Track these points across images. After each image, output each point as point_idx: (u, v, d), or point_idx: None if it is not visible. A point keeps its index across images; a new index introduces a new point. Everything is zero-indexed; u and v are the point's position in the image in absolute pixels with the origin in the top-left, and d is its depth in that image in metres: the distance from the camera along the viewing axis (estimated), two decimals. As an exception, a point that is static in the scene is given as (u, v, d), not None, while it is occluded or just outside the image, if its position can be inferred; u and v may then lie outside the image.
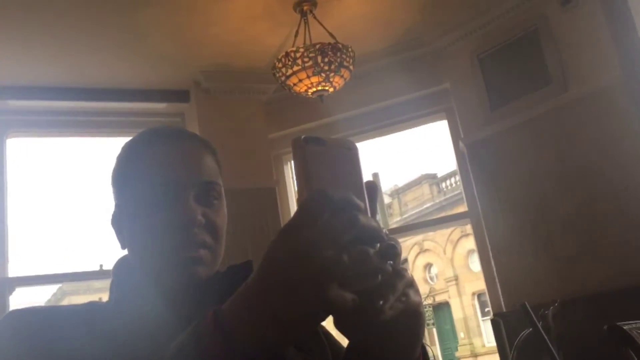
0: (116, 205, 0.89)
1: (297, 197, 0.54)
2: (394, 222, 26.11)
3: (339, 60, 2.89)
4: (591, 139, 3.02)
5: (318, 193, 0.50)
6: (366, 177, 0.56)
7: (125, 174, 0.86)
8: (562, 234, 3.03)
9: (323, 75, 2.91)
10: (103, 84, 3.67)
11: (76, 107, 3.74)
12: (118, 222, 0.87)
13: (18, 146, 3.87)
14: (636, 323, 1.93)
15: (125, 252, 0.88)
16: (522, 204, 3.25)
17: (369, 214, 0.53)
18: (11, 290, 3.36)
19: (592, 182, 3.00)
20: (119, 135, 3.95)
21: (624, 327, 1.81)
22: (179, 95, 3.86)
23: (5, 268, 3.39)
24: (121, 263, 0.89)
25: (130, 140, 0.89)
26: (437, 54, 3.76)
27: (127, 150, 0.88)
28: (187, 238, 0.79)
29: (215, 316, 0.51)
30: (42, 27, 3.07)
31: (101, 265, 4.88)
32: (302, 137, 0.53)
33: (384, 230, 0.52)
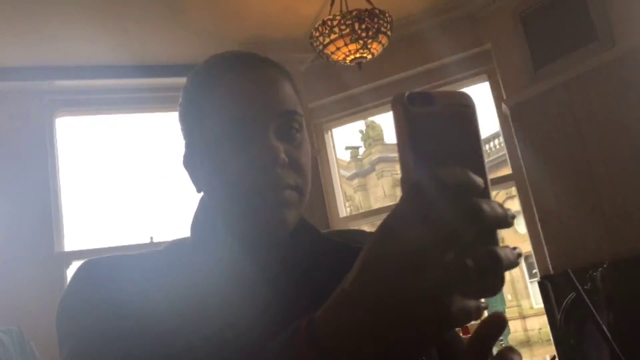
0: (187, 145, 0.80)
1: (400, 176, 0.42)
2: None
3: (376, 26, 2.86)
4: (639, 96, 2.92)
5: (429, 177, 0.39)
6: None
7: (196, 109, 0.77)
8: (610, 194, 2.96)
9: (361, 42, 2.88)
10: (146, 60, 3.73)
11: (120, 85, 3.82)
12: (191, 163, 0.79)
13: (68, 124, 3.99)
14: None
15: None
16: (568, 164, 3.18)
17: (489, 192, 0.41)
18: (68, 264, 3.52)
19: (642, 140, 2.92)
20: (165, 111, 4.04)
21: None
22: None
23: (61, 243, 3.55)
24: (201, 205, 0.81)
25: (198, 70, 0.80)
26: (477, 14, 3.67)
27: (195, 82, 0.79)
28: (270, 180, 0.71)
29: (310, 330, 0.43)
30: (82, 6, 3.12)
31: (152, 238, 5.04)
32: (406, 94, 0.42)
33: (509, 212, 0.41)
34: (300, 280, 0.73)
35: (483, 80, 3.88)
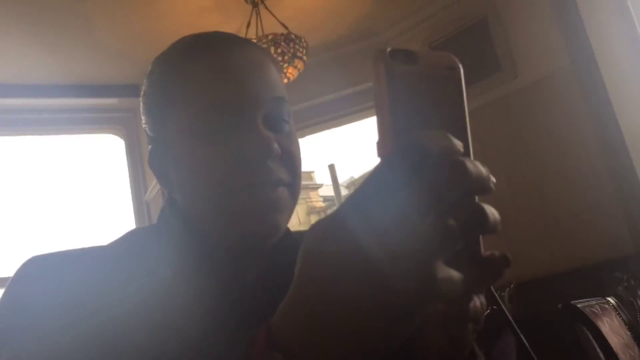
0: (155, 140, 0.68)
1: (377, 139, 0.38)
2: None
3: (292, 51, 2.87)
4: (541, 124, 3.09)
5: (410, 141, 0.35)
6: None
7: (167, 97, 0.65)
8: (514, 218, 3.09)
9: (277, 66, 2.88)
10: (50, 80, 3.56)
11: (21, 105, 3.61)
12: (160, 160, 0.67)
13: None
14: (588, 301, 1.99)
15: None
16: (476, 189, 3.30)
17: (472, 156, 0.39)
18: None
19: (543, 166, 3.08)
20: (71, 133, 3.85)
21: (578, 305, 1.87)
22: (131, 89, 3.78)
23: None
24: (168, 207, 0.68)
25: (167, 53, 0.69)
26: (389, 44, 3.78)
27: (165, 65, 0.68)
28: (261, 176, 0.61)
29: (269, 337, 0.38)
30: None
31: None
32: (388, 49, 0.38)
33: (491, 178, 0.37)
34: (278, 300, 0.65)
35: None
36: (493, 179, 0.37)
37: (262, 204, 0.62)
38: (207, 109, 0.62)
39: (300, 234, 0.74)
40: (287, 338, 0.37)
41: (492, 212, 0.36)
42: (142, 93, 0.70)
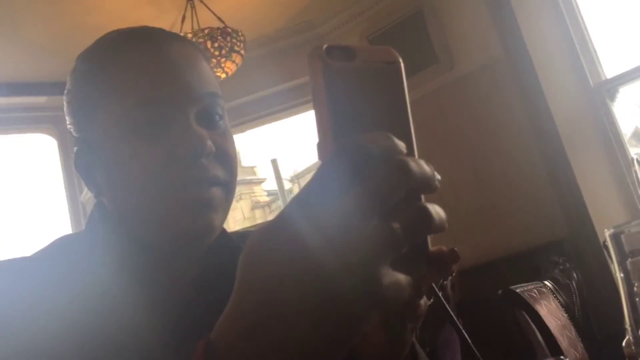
0: (80, 141, 0.64)
1: (317, 141, 0.37)
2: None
3: (229, 45, 2.82)
4: (478, 114, 3.16)
5: (351, 143, 0.34)
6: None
7: (91, 96, 0.62)
8: (454, 207, 3.15)
9: (214, 60, 2.83)
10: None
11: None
12: (86, 162, 0.64)
13: None
14: (527, 285, 2.05)
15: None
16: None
17: (415, 153, 0.38)
18: None
19: (480, 155, 3.15)
20: (1, 133, 3.68)
21: (517, 290, 1.92)
22: (60, 87, 3.61)
23: None
24: (97, 211, 0.65)
25: (91, 49, 0.66)
26: (328, 37, 3.77)
27: (89, 63, 0.64)
28: (194, 174, 0.59)
29: (209, 352, 0.36)
30: None
31: None
32: (324, 46, 0.36)
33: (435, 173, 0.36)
34: (215, 304, 0.59)
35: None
36: (438, 177, 0.36)
37: (195, 203, 0.59)
38: (135, 106, 0.59)
39: (239, 234, 0.72)
40: (228, 352, 0.35)
41: (437, 211, 0.35)
42: (65, 92, 0.67)
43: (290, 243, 0.33)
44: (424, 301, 0.46)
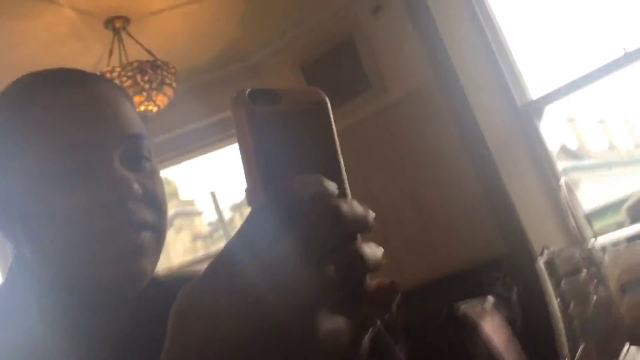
0: None
1: (246, 187, 0.36)
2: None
3: (159, 78, 2.77)
4: (413, 137, 3.22)
5: (281, 193, 0.33)
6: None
7: (6, 143, 0.58)
8: (395, 229, 3.18)
9: (144, 94, 2.77)
10: None
11: None
12: (5, 213, 0.60)
13: None
14: (471, 301, 2.08)
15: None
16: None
17: (348, 193, 0.37)
18: None
19: (418, 177, 3.20)
20: None
21: (461, 307, 1.94)
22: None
23: None
24: (17, 264, 0.62)
25: (5, 94, 0.63)
26: (259, 67, 3.77)
27: (2, 108, 0.61)
28: (121, 219, 0.56)
29: None
30: None
31: None
32: (247, 91, 0.36)
33: (369, 212, 0.36)
34: (146, 354, 0.57)
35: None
36: (372, 215, 0.36)
37: (124, 249, 0.57)
38: (54, 152, 0.56)
39: (171, 279, 0.68)
40: None
41: (372, 250, 0.35)
42: None
43: (219, 295, 0.32)
44: (366, 339, 0.45)
